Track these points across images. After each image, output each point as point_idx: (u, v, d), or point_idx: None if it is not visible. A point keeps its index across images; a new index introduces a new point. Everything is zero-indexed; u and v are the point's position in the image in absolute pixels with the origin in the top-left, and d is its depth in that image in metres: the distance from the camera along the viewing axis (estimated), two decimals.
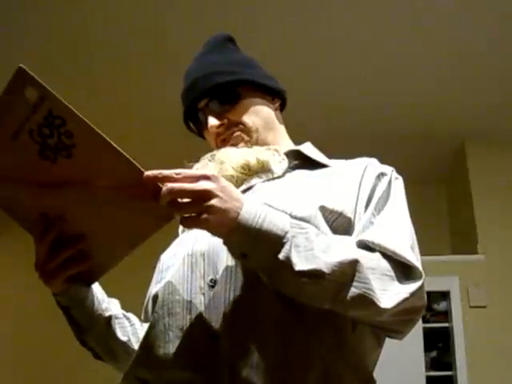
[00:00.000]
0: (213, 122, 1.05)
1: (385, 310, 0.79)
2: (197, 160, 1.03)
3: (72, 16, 2.77)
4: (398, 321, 0.84)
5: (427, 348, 3.34)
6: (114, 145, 0.74)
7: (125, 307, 1.05)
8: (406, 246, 0.87)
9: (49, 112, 0.73)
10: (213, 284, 0.85)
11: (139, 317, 1.05)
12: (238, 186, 0.96)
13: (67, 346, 1.80)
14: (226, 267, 0.85)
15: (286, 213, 0.83)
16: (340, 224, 0.89)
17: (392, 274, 0.82)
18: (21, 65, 0.71)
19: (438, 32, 2.89)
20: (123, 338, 1.01)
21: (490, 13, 2.76)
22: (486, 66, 3.14)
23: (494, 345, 3.27)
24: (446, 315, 3.44)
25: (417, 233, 0.92)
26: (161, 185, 0.74)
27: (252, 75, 1.09)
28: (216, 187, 0.75)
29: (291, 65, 3.04)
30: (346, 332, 0.84)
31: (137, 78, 3.21)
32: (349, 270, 0.78)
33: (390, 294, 0.80)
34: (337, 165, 1.03)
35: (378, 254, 0.84)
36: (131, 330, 1.03)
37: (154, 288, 0.95)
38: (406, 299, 0.81)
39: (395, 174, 1.00)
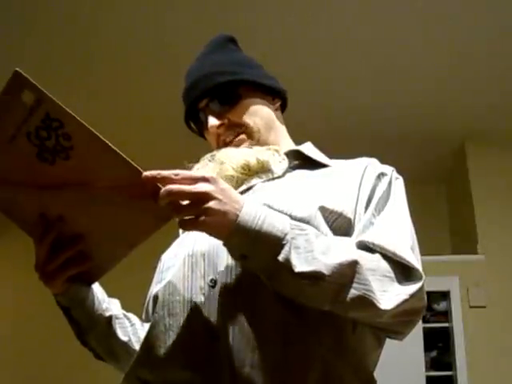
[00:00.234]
0: (213, 122, 1.05)
1: (385, 311, 0.79)
2: (197, 160, 1.03)
3: (72, 16, 2.77)
4: (398, 322, 0.84)
5: (427, 348, 3.34)
6: (112, 146, 0.74)
7: (125, 307, 1.05)
8: (406, 246, 0.86)
9: (46, 115, 0.73)
10: (213, 284, 0.85)
11: (140, 317, 1.05)
12: (238, 186, 0.96)
13: (67, 347, 1.81)
14: (227, 267, 0.85)
15: (286, 213, 0.83)
16: (340, 224, 0.89)
17: (392, 275, 0.82)
18: (17, 68, 0.71)
19: (438, 32, 2.89)
20: (124, 338, 1.01)
21: (490, 13, 2.76)
22: (486, 66, 3.14)
23: (494, 345, 3.27)
24: (446, 315, 3.44)
25: (417, 233, 0.92)
26: (160, 185, 0.74)
27: (253, 75, 1.09)
28: (215, 189, 0.75)
29: (291, 65, 3.04)
30: (346, 332, 0.84)
31: (137, 78, 3.21)
32: (348, 272, 0.78)
33: (389, 295, 0.80)
34: (337, 165, 1.03)
35: (377, 255, 0.84)
36: (132, 329, 1.03)
37: (155, 288, 0.95)
38: (405, 300, 0.81)
39: (395, 174, 0.99)
